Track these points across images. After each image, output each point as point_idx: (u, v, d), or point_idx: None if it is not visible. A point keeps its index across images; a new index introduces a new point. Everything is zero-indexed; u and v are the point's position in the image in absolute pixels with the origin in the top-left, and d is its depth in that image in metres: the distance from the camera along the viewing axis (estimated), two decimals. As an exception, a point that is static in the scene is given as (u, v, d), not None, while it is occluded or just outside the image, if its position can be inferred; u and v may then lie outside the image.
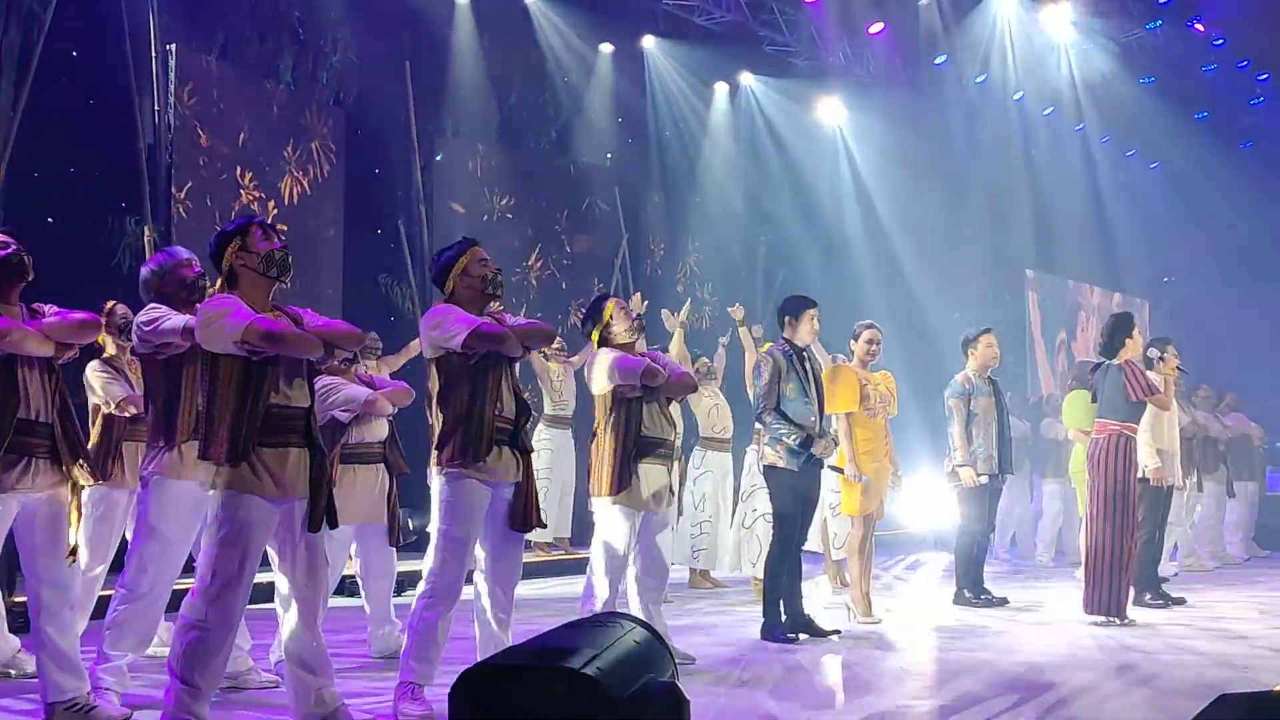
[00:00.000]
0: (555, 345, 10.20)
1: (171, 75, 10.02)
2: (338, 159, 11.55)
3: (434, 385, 5.22)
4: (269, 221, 4.85)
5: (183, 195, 10.15)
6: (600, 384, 6.27)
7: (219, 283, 4.69)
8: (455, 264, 5.24)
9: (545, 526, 7.14)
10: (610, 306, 6.43)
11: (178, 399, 5.16)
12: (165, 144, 10.06)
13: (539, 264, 13.27)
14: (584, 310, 6.83)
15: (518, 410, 5.29)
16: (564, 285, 13.53)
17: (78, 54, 9.69)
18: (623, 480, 6.15)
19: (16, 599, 6.79)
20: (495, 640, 5.30)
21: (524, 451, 5.33)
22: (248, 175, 10.71)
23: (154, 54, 9.95)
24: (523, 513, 5.27)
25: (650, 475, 6.28)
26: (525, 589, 5.84)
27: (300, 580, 4.72)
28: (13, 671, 5.92)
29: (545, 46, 13.37)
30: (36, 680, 5.09)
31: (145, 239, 9.73)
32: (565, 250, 13.58)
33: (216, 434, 4.47)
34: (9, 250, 4.82)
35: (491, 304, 5.34)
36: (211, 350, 4.50)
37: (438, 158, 12.66)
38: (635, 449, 6.22)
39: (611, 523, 6.23)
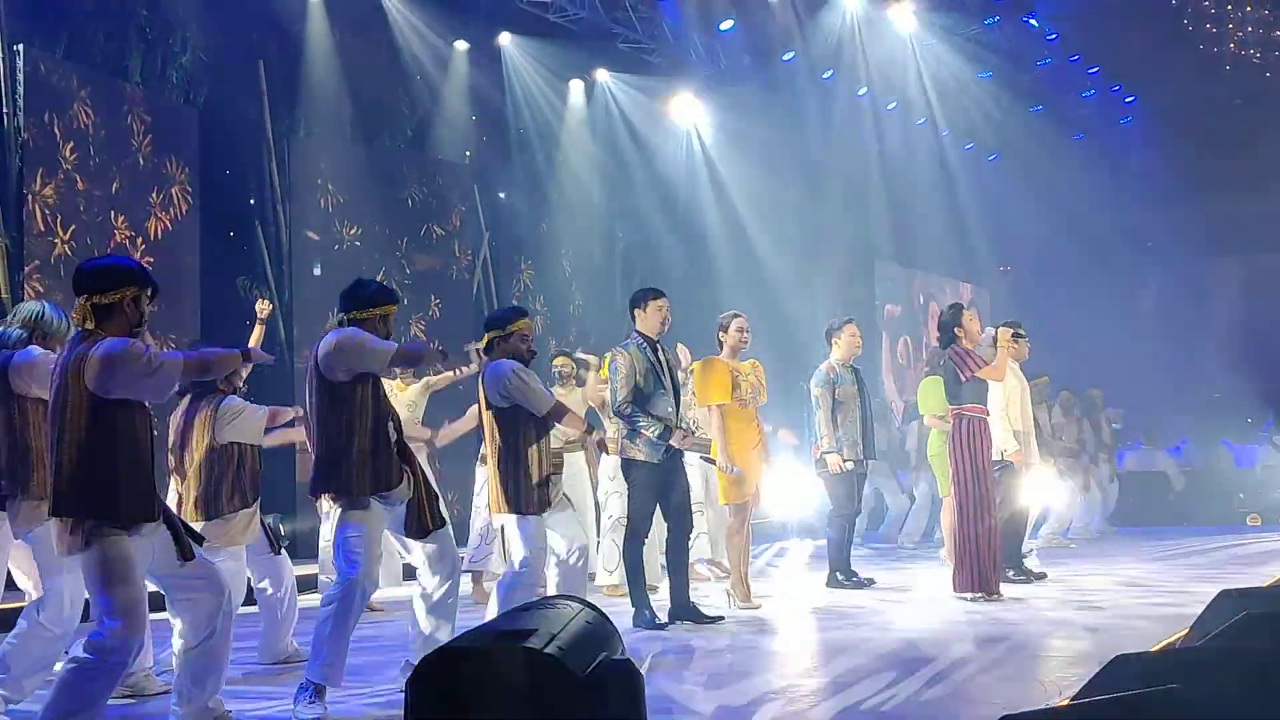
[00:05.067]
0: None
1: (19, 75, 9.71)
2: (189, 171, 11.34)
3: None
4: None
5: (68, 236, 10.15)
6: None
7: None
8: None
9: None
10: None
11: None
12: (14, 148, 9.74)
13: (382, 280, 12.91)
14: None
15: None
16: (405, 301, 13.26)
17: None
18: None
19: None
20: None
21: None
22: (121, 219, 10.73)
23: (1, 54, 9.64)
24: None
25: None
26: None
27: None
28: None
29: (400, 43, 13.30)
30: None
31: (-2, 247, 9.45)
32: (406, 271, 13.32)
33: None
34: None
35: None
36: None
37: (290, 157, 12.46)
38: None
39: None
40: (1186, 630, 5.44)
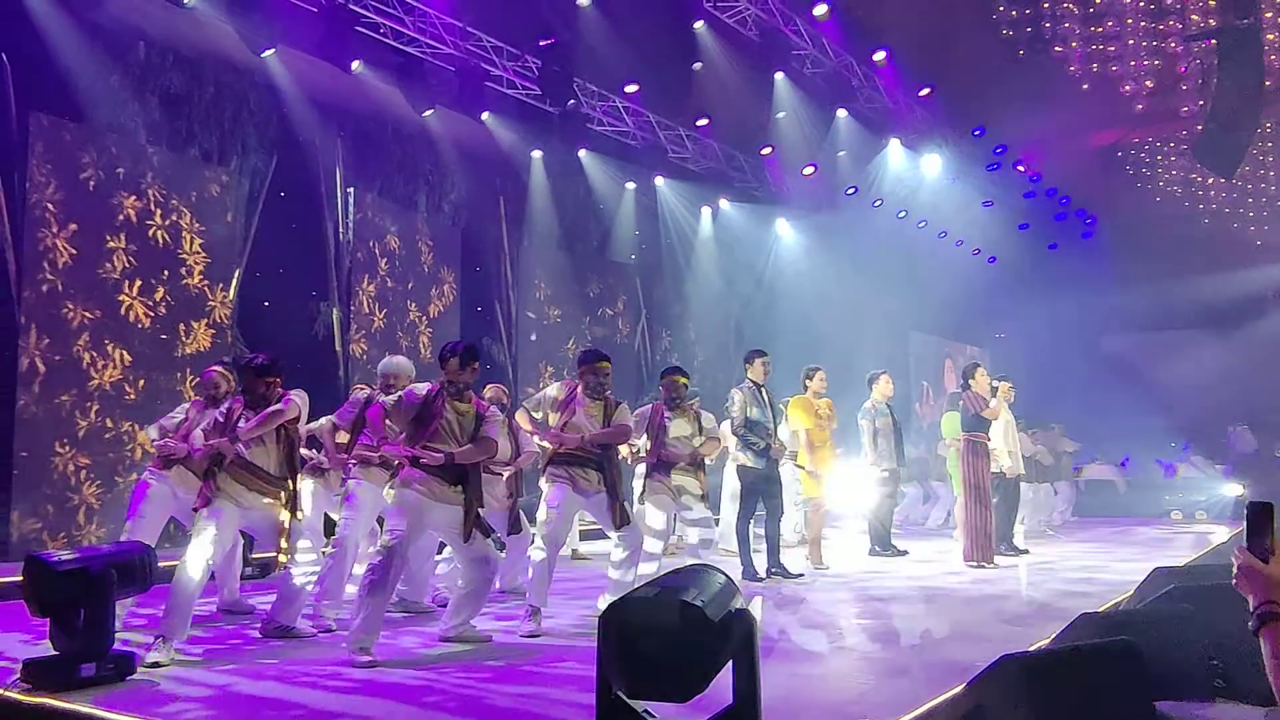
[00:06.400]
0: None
1: (351, 207, 10.23)
2: (455, 270, 11.82)
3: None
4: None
5: (381, 316, 10.73)
6: None
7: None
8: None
9: None
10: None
11: None
12: (347, 253, 10.22)
13: (572, 345, 13.21)
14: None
15: None
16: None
17: (284, 194, 9.84)
18: None
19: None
20: None
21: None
22: (413, 304, 11.25)
23: (339, 194, 10.14)
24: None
25: None
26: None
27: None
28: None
29: (590, 185, 13.54)
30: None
31: (333, 316, 9.88)
32: (587, 338, 13.39)
33: None
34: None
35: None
36: None
37: (518, 260, 12.81)
38: None
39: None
40: (1129, 594, 5.25)
